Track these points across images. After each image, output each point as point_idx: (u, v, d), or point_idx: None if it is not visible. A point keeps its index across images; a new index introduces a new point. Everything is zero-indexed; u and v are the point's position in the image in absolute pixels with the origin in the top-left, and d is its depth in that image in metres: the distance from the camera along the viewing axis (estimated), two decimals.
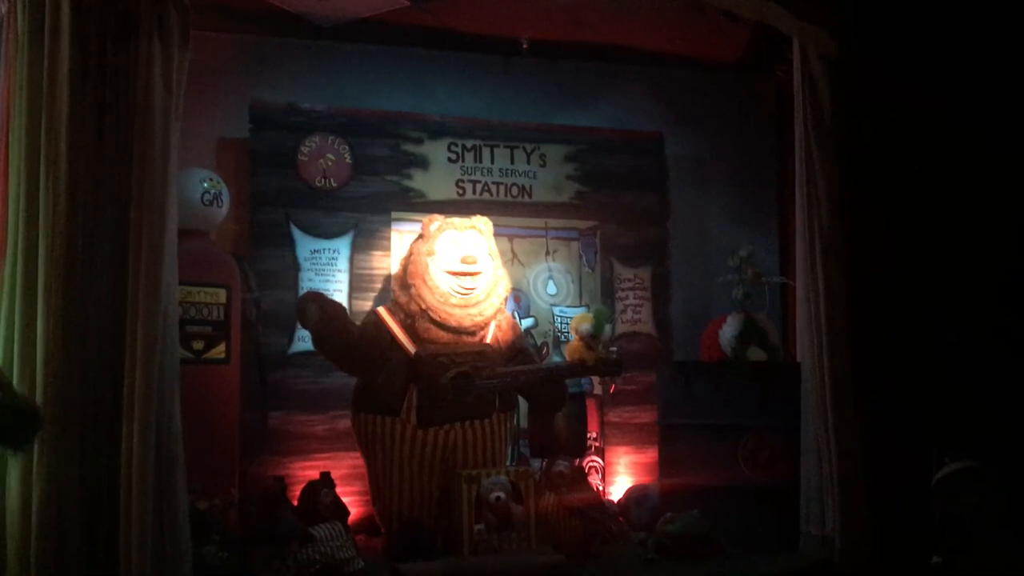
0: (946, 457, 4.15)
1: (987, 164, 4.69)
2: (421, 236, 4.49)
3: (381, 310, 4.42)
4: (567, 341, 5.01)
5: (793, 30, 4.60)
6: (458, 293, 4.33)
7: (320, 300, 4.29)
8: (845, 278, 4.46)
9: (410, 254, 4.45)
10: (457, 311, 4.32)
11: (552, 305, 5.24)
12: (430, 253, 4.38)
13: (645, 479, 5.07)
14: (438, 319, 4.29)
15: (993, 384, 4.43)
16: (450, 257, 4.38)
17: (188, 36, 3.66)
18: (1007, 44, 4.63)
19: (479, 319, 4.39)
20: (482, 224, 4.59)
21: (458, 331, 4.33)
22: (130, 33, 3.50)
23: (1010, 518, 3.91)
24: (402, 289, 4.38)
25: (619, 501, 4.89)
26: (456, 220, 4.54)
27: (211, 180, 4.33)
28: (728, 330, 4.83)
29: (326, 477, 4.29)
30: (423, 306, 4.29)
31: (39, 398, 3.30)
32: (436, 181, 5.12)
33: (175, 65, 3.60)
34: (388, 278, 4.89)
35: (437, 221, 4.49)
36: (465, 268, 4.36)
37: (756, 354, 4.80)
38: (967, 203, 4.69)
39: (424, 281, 4.32)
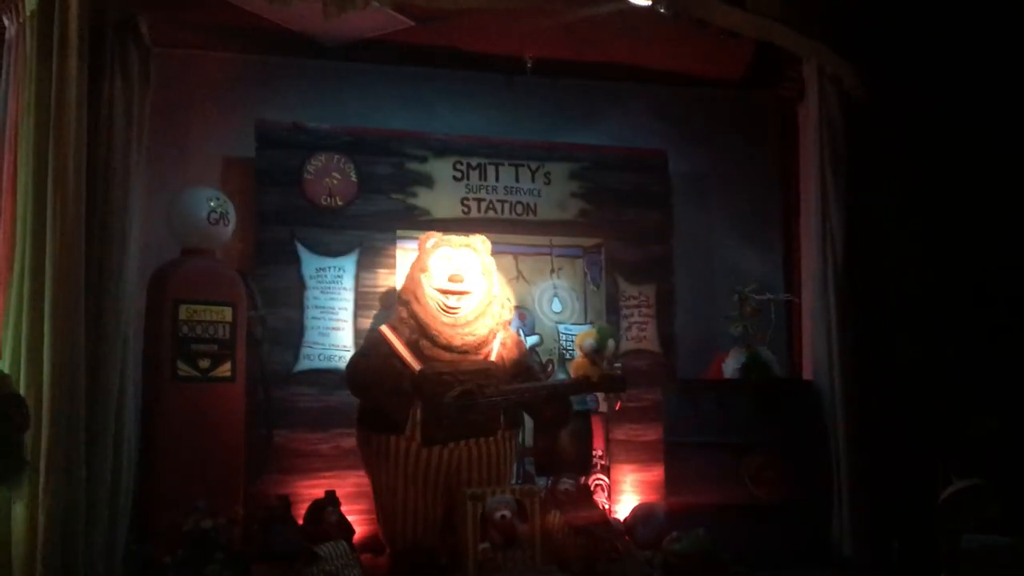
0: (952, 475, 4.14)
1: (998, 183, 4.70)
2: (418, 252, 4.50)
3: (384, 328, 4.42)
4: (572, 358, 5.01)
5: (801, 49, 4.65)
6: (444, 311, 4.32)
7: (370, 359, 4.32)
8: (857, 302, 4.50)
9: (408, 270, 4.50)
10: (447, 329, 4.31)
11: (557, 323, 5.23)
12: (423, 269, 4.40)
13: (651, 497, 5.04)
14: (432, 334, 4.29)
15: (1001, 397, 4.42)
16: (440, 274, 4.38)
17: (149, 75, 3.79)
18: (1011, 60, 4.65)
19: (470, 339, 4.36)
20: (479, 243, 4.58)
21: (451, 349, 4.33)
22: (94, 72, 3.58)
23: (1013, 534, 3.89)
24: (401, 305, 4.40)
25: (625, 519, 4.87)
26: (452, 237, 4.55)
27: (217, 199, 4.34)
28: (731, 363, 4.85)
29: (331, 495, 4.28)
30: (416, 323, 4.30)
31: (45, 415, 3.32)
32: (441, 199, 5.13)
33: (136, 102, 3.71)
34: (392, 294, 4.90)
35: (433, 238, 4.51)
36: (452, 287, 4.35)
37: None
38: (977, 222, 4.70)
39: (416, 298, 4.33)
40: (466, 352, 4.35)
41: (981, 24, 4.59)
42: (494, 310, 4.47)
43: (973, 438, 4.22)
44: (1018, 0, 4.45)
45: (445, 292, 4.35)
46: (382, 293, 4.94)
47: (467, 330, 4.35)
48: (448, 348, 4.32)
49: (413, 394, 4.25)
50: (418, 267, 4.43)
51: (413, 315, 4.31)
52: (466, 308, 4.37)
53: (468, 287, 4.39)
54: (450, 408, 4.23)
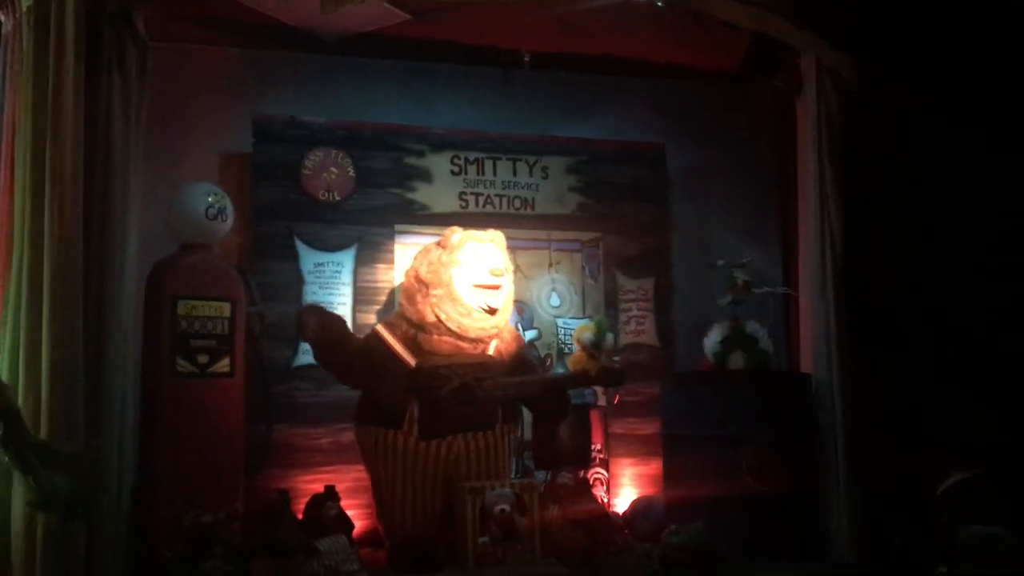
0: (950, 467, 4.15)
1: (997, 179, 4.70)
2: (440, 246, 4.47)
3: (379, 327, 4.43)
4: (570, 353, 5.02)
5: (798, 42, 4.64)
6: (487, 303, 4.33)
7: (318, 312, 4.36)
8: (855, 298, 4.51)
9: (428, 263, 4.42)
10: (479, 322, 4.33)
11: (555, 317, 5.24)
12: (455, 264, 4.37)
13: (649, 490, 5.05)
14: (457, 329, 4.29)
15: (999, 394, 4.43)
16: (477, 269, 4.37)
17: (146, 69, 3.79)
18: (1009, 53, 4.65)
19: (494, 331, 4.42)
20: (497, 237, 4.60)
21: (473, 340, 4.34)
22: (91, 66, 3.57)
23: (1011, 526, 3.90)
24: (413, 301, 4.38)
25: (623, 513, 4.89)
26: (475, 232, 4.54)
27: (215, 194, 4.34)
28: (712, 336, 4.83)
29: (330, 490, 4.28)
30: (442, 316, 4.29)
31: (44, 415, 3.32)
32: (439, 194, 5.13)
33: (134, 97, 3.71)
34: (392, 291, 4.90)
35: (458, 232, 4.49)
36: (493, 280, 4.37)
37: (738, 360, 4.76)
38: (976, 217, 4.70)
39: (449, 292, 4.31)
40: (474, 343, 4.37)
41: (979, 18, 4.58)
42: (510, 303, 4.55)
43: (972, 436, 4.23)
44: None
45: (485, 287, 4.36)
46: (387, 291, 4.95)
47: (496, 319, 4.40)
48: (471, 340, 4.35)
49: (410, 389, 4.26)
50: (448, 261, 4.39)
51: (437, 308, 4.30)
52: (500, 301, 4.42)
53: (503, 281, 4.44)
54: (447, 401, 4.24)
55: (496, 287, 4.39)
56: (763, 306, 5.04)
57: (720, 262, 4.97)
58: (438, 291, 4.31)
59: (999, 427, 4.23)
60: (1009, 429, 4.22)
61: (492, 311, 4.37)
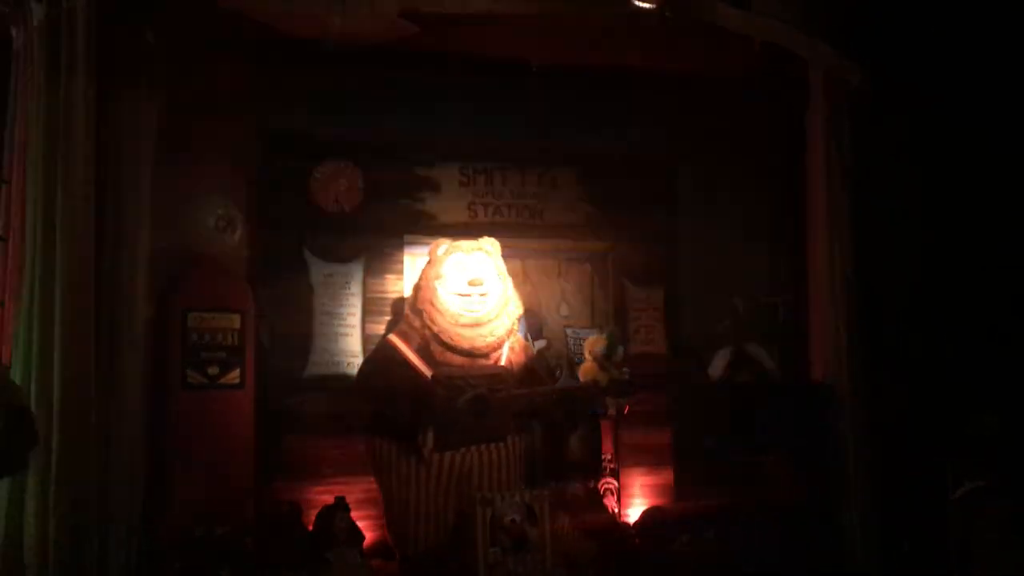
0: (963, 476, 4.13)
1: (1007, 188, 4.69)
2: (428, 259, 4.51)
3: (393, 338, 4.44)
4: (580, 362, 5.01)
5: (807, 51, 4.65)
6: (465, 315, 4.34)
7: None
8: (866, 305, 4.51)
9: (419, 278, 4.49)
10: (468, 331, 4.33)
11: (565, 326, 5.24)
12: (438, 277, 4.41)
13: (660, 500, 5.04)
14: (450, 342, 4.30)
15: (1009, 400, 4.42)
16: (457, 280, 4.40)
17: (157, 83, 3.82)
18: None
19: (491, 339, 4.40)
20: (489, 245, 4.61)
21: (472, 354, 4.34)
22: (102, 81, 3.60)
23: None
24: (414, 314, 4.41)
25: (634, 523, 4.87)
26: (463, 243, 4.57)
27: (225, 206, 4.37)
28: (717, 363, 4.84)
29: (341, 501, 4.28)
30: (435, 330, 4.31)
31: (56, 427, 3.33)
32: (448, 204, 5.14)
33: (145, 110, 3.75)
34: (401, 301, 4.91)
35: (444, 244, 4.53)
36: (472, 291, 4.38)
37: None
38: (987, 225, 4.69)
39: (434, 305, 4.34)
40: (485, 354, 4.37)
41: (990, 29, 4.59)
42: (509, 310, 4.51)
43: (972, 436, 4.22)
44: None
45: (465, 296, 4.36)
46: (393, 300, 4.96)
47: (487, 330, 4.39)
48: (469, 352, 4.33)
49: (426, 400, 4.26)
50: (432, 275, 4.43)
51: (430, 322, 4.31)
52: (485, 309, 4.39)
53: (486, 289, 4.41)
54: (463, 412, 4.24)
55: (477, 296, 4.38)
56: (772, 318, 5.04)
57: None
58: (426, 306, 4.34)
59: (1002, 428, 4.21)
60: (1015, 432, 4.21)
61: (475, 322, 4.35)
